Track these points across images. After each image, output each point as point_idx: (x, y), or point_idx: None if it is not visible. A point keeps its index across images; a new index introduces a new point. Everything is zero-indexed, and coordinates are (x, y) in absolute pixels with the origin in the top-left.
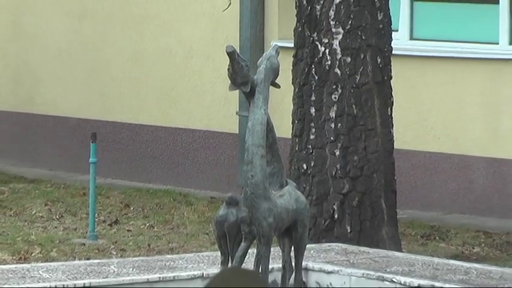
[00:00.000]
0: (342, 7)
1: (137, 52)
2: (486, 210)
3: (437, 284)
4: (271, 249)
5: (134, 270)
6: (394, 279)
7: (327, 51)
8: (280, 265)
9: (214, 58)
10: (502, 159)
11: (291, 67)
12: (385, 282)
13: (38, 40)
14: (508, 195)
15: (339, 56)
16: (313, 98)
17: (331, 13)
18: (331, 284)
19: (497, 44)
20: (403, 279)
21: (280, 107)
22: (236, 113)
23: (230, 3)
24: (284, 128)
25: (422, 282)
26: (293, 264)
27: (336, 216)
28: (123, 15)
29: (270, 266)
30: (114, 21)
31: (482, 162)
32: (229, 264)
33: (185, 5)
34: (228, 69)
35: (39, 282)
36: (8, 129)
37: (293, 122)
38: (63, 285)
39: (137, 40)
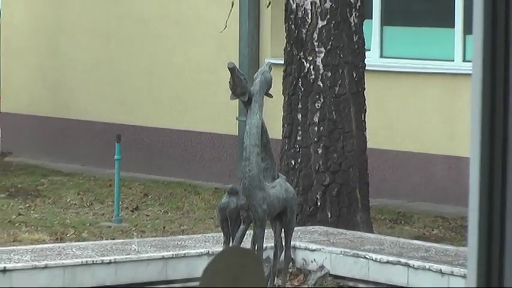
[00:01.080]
0: (323, 31)
1: (153, 67)
2: (443, 199)
3: (402, 260)
4: (265, 231)
5: (152, 248)
6: (366, 256)
7: (311, 67)
8: (273, 244)
9: (217, 72)
10: (457, 157)
11: (282, 80)
12: (360, 258)
13: (72, 57)
14: (461, 186)
15: (321, 71)
16: (299, 106)
17: (315, 36)
18: (314, 260)
19: (453, 61)
20: (374, 255)
21: (273, 113)
22: (236, 118)
23: (226, 26)
24: (276, 131)
25: (391, 258)
26: (283, 243)
27: (318, 204)
28: (141, 36)
29: (264, 245)
30: (133, 42)
31: (440, 159)
32: (230, 244)
33: (193, 28)
34: (230, 82)
35: (72, 258)
36: (47, 131)
37: (283, 126)
38: (93, 260)
39: (153, 57)
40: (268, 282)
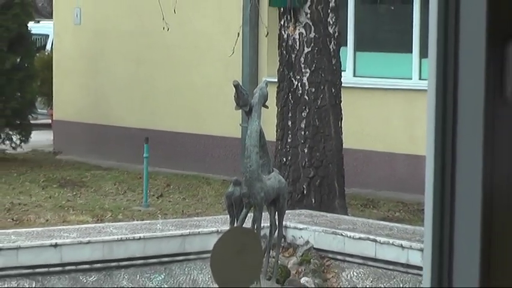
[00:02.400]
0: (308, 55)
1: (174, 84)
2: (404, 188)
3: (371, 237)
4: (262, 214)
5: (173, 227)
6: (342, 234)
7: (299, 84)
8: (268, 224)
9: (225, 88)
10: (415, 155)
11: (275, 94)
12: (337, 235)
13: (110, 77)
14: (418, 179)
15: (306, 87)
16: (289, 114)
17: (302, 59)
18: (301, 236)
19: (411, 79)
20: (348, 233)
21: (268, 120)
22: (240, 125)
23: (233, 52)
24: (271, 134)
25: (362, 235)
26: (277, 223)
27: (304, 192)
28: (164, 61)
29: (262, 225)
30: (159, 65)
31: (402, 157)
32: (235, 224)
33: (206, 53)
34: (234, 96)
35: (109, 235)
36: (90, 135)
37: (277, 130)
38: (126, 237)
39: (174, 77)
40: (265, 254)
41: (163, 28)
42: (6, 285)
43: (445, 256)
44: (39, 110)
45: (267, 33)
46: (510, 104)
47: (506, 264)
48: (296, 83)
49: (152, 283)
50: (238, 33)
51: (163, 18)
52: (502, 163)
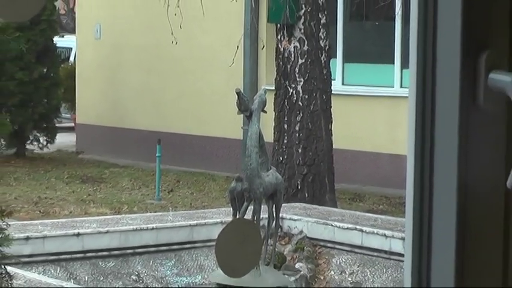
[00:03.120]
0: (302, 66)
1: (183, 92)
2: (387, 184)
3: (358, 227)
4: (261, 206)
5: (182, 218)
6: (332, 224)
7: (294, 91)
8: (267, 215)
9: (227, 95)
10: (397, 155)
11: (273, 101)
12: (328, 226)
13: (126, 85)
14: (400, 176)
15: (300, 95)
16: (285, 119)
17: (296, 70)
18: (296, 226)
19: (393, 87)
20: (338, 223)
21: (267, 123)
22: (241, 128)
23: (233, 62)
24: (269, 136)
25: (350, 225)
26: (274, 215)
27: (299, 187)
28: (174, 71)
29: (261, 217)
30: (169, 74)
31: (386, 156)
32: (237, 216)
33: (210, 64)
34: (236, 102)
35: (126, 226)
36: (109, 136)
37: (274, 133)
38: (141, 227)
39: (182, 85)
40: (264, 243)
41: (172, 42)
42: (33, 271)
43: (423, 255)
44: (63, 115)
45: (263, 46)
46: (482, 109)
47: (479, 265)
48: (291, 90)
49: (163, 268)
50: (238, 46)
51: (172, 33)
52: (475, 162)
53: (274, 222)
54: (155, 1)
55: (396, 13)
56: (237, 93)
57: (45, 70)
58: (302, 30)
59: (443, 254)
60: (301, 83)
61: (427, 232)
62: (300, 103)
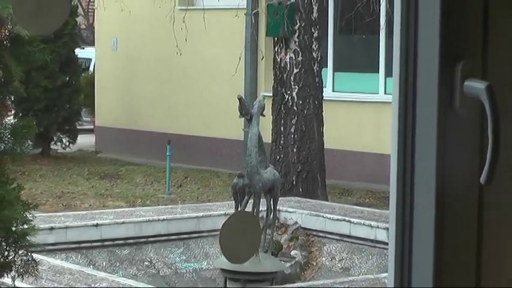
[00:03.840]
0: (297, 75)
1: (191, 99)
2: (373, 180)
3: (346, 218)
4: (261, 200)
5: (190, 211)
6: (324, 216)
7: (289, 97)
8: (265, 208)
9: (230, 101)
10: (382, 154)
11: (271, 106)
12: (319, 217)
13: (139, 92)
14: (384, 173)
15: (295, 100)
16: (282, 122)
17: (291, 78)
18: (291, 218)
19: (378, 93)
20: (329, 215)
21: (265, 126)
22: (242, 130)
23: (236, 72)
24: (267, 137)
25: (339, 217)
26: (272, 208)
27: (294, 183)
28: (183, 80)
29: (260, 209)
30: (179, 83)
31: (371, 155)
32: (239, 209)
33: (215, 74)
34: (238, 107)
35: (140, 217)
36: (124, 137)
37: (272, 134)
38: (153, 218)
39: (190, 92)
40: (262, 232)
41: (176, 53)
42: (57, 257)
43: (406, 244)
44: (83, 118)
45: (262, 57)
46: (458, 113)
47: (456, 265)
48: (287, 96)
49: (173, 255)
50: (240, 57)
51: (177, 45)
52: (452, 161)
53: (272, 214)
54: (165, 18)
55: (381, 28)
56: (238, 99)
57: (67, 78)
58: (297, 43)
59: (423, 241)
60: (296, 90)
61: (409, 223)
62: (294, 108)
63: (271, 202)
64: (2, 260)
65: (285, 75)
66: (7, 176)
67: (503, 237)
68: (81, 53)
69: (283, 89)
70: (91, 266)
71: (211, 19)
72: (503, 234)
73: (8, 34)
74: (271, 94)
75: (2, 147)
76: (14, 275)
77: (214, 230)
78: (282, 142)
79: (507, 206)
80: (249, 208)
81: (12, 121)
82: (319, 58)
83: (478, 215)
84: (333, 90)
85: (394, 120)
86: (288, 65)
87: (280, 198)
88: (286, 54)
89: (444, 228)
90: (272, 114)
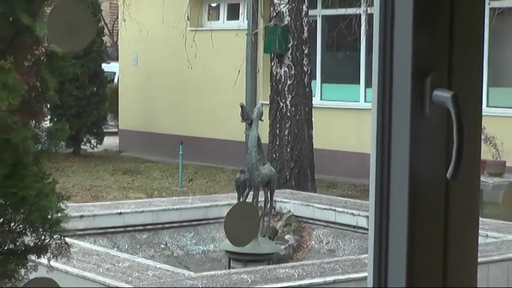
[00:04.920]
0: (290, 86)
1: (200, 106)
2: (355, 175)
3: (332, 207)
4: (259, 192)
5: (199, 201)
6: (313, 206)
7: (284, 105)
8: (263, 199)
9: (233, 108)
10: (363, 153)
11: (268, 112)
12: (309, 206)
13: (156, 100)
14: (365, 169)
15: (289, 107)
16: (277, 126)
17: (286, 88)
18: (286, 207)
19: (359, 101)
20: (317, 205)
21: (264, 129)
22: (244, 132)
23: (236, 83)
24: (265, 139)
25: (326, 206)
26: (269, 199)
27: (287, 178)
28: (193, 90)
29: (259, 200)
30: (189, 92)
31: (354, 154)
32: (241, 199)
33: (220, 85)
34: (240, 113)
35: (156, 207)
36: (144, 139)
37: (269, 136)
38: (168, 208)
39: (200, 101)
40: (261, 220)
41: (188, 67)
42: (86, 241)
43: (383, 228)
44: (109, 122)
45: (258, 70)
46: (428, 118)
47: (426, 266)
48: (282, 104)
49: (185, 238)
50: (239, 70)
51: (188, 60)
52: (423, 158)
53: (269, 204)
54: (178, 37)
55: (361, 45)
56: (240, 106)
57: (95, 89)
58: (290, 59)
59: (398, 223)
60: (289, 99)
61: (386, 212)
62: (288, 114)
63: (268, 194)
64: (39, 243)
65: (280, 86)
66: (44, 172)
67: (466, 233)
68: (107, 67)
69: (279, 98)
70: (115, 248)
71: (217, 38)
72: (466, 230)
73: (44, 51)
74: (268, 102)
75: (39, 147)
76: (50, 256)
77: (220, 217)
78: (277, 143)
79: (469, 199)
80: (249, 199)
81: (48, 125)
82: (309, 71)
83: (444, 206)
84: (321, 99)
85: (373, 124)
86: (283, 77)
87: (276, 191)
88: (281, 68)
89: (415, 219)
90: (269, 119)
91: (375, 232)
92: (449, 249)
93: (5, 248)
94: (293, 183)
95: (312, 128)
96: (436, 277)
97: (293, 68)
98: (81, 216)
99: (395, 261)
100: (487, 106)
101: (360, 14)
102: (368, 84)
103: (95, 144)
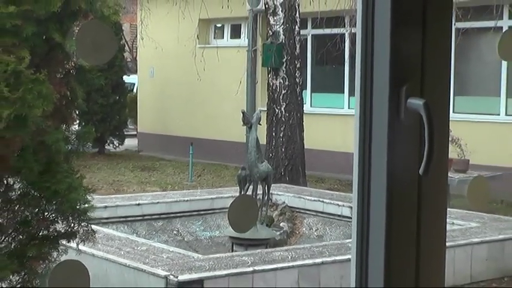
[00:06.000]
0: (284, 95)
1: (207, 112)
2: (340, 171)
3: (321, 199)
4: (258, 186)
5: (207, 194)
6: (304, 198)
7: (279, 111)
8: (261, 192)
9: (236, 114)
10: (348, 152)
11: (266, 117)
12: (301, 198)
13: (169, 108)
14: (348, 166)
15: (283, 113)
16: (273, 129)
17: (281, 97)
18: (281, 199)
19: (343, 108)
20: (308, 197)
21: (262, 132)
22: (245, 135)
23: (237, 92)
24: (263, 140)
25: (315, 198)
26: (266, 192)
27: (282, 174)
28: (201, 99)
29: (257, 193)
30: (198, 101)
31: (340, 153)
32: (242, 192)
33: (224, 94)
34: (242, 118)
35: (170, 198)
36: (159, 140)
37: (266, 138)
38: (179, 199)
39: (207, 108)
40: (259, 210)
41: (197, 79)
42: (109, 228)
43: (364, 218)
44: (129, 126)
45: (257, 81)
46: (403, 123)
47: (402, 266)
48: (277, 110)
49: (194, 226)
50: (241, 81)
51: (197, 73)
52: (399, 157)
53: (266, 196)
54: (189, 53)
55: (345, 60)
56: (242, 112)
57: (117, 97)
58: (284, 71)
59: (377, 212)
60: (284, 106)
61: (367, 203)
62: (282, 119)
63: (266, 188)
64: (69, 230)
65: (275, 95)
66: (73, 169)
67: (436, 220)
68: (127, 79)
69: (274, 105)
70: (134, 234)
71: (222, 54)
72: (436, 218)
73: (73, 65)
74: (266, 109)
75: (69, 147)
76: (78, 241)
77: (224, 208)
78: (273, 144)
79: (438, 192)
80: (249, 192)
81: (76, 128)
82: (300, 82)
83: (417, 198)
84: (311, 106)
85: (356, 127)
86: (278, 88)
87: (272, 185)
88: (276, 80)
89: (392, 209)
90: (266, 124)
91: (357, 220)
92: (422, 233)
93: (40, 234)
94: (287, 178)
95: (303, 131)
96: (410, 257)
97: (287, 80)
98: (105, 207)
99: (375, 239)
100: (454, 112)
101: (344, 34)
102: (351, 93)
103: (117, 145)
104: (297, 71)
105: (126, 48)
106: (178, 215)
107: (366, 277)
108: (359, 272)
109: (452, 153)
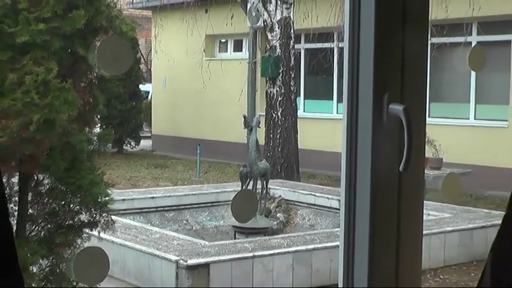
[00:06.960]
0: (281, 101)
1: (213, 117)
2: (331, 168)
3: (312, 193)
4: (257, 182)
5: (213, 189)
6: (298, 191)
7: (276, 116)
8: (260, 187)
9: (238, 118)
10: (336, 152)
11: (264, 121)
12: (295, 192)
13: (180, 113)
14: (337, 164)
15: (279, 118)
16: (271, 131)
17: (277, 103)
18: (277, 193)
19: (332, 113)
20: (301, 191)
21: (261, 134)
22: (246, 136)
23: (239, 99)
24: (262, 141)
25: (308, 192)
26: (265, 186)
27: (279, 170)
28: (208, 104)
29: (257, 187)
30: (204, 106)
31: (329, 153)
32: (243, 187)
33: (228, 101)
34: (243, 122)
35: (180, 192)
36: (171, 141)
37: (265, 139)
38: (189, 193)
39: (213, 112)
40: (259, 202)
41: (203, 87)
42: (127, 218)
43: (351, 210)
44: (144, 129)
45: (257, 90)
46: (385, 126)
47: (385, 250)
48: (274, 115)
49: (201, 216)
50: (242, 89)
51: (203, 82)
52: (381, 156)
53: (265, 190)
54: (196, 65)
55: (334, 71)
56: (243, 116)
57: (134, 104)
58: (280, 81)
59: (362, 203)
60: (280, 111)
61: (353, 195)
62: (279, 122)
63: (264, 183)
64: (91, 220)
65: (272, 102)
66: (95, 166)
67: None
68: (143, 87)
69: (272, 110)
70: (149, 224)
71: (226, 66)
72: (414, 209)
73: (95, 75)
74: (264, 113)
75: (92, 147)
76: (99, 230)
77: (228, 200)
78: (271, 144)
79: (416, 186)
80: (249, 187)
81: (98, 131)
82: (295, 90)
83: (398, 191)
84: (304, 111)
85: (344, 130)
86: (275, 95)
87: (270, 180)
88: (273, 88)
89: (376, 202)
90: (265, 127)
91: (345, 211)
92: (401, 222)
93: (66, 223)
94: (283, 174)
95: (297, 133)
96: (391, 242)
97: (283, 88)
98: (123, 200)
99: (360, 228)
100: (429, 117)
101: (333, 48)
102: (339, 100)
103: (133, 145)
104: (292, 80)
105: (142, 60)
106: (188, 206)
107: (352, 260)
108: (346, 255)
109: (428, 152)
